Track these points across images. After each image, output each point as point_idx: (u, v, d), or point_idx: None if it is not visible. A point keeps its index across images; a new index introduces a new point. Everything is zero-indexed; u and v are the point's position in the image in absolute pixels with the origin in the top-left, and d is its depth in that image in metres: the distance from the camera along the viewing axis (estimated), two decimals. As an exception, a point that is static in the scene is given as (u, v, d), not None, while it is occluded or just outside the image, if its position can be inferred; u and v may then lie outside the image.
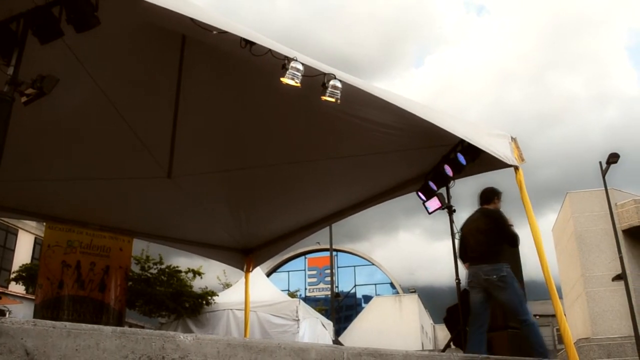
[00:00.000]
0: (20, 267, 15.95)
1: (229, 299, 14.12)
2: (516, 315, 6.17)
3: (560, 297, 6.71)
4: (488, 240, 6.40)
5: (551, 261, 6.94)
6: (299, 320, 13.12)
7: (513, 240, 6.47)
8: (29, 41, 4.41)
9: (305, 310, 14.06)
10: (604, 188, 20.78)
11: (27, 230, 26.67)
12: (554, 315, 7.02)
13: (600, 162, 20.50)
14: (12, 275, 16.78)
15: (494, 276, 6.16)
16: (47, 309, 9.24)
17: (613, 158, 19.67)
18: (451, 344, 7.46)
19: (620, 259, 20.00)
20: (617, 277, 20.47)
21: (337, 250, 45.71)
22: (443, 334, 40.97)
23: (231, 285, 17.06)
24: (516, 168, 6.61)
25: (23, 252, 25.98)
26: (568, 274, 27.71)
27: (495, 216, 6.56)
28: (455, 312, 7.04)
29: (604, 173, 20.30)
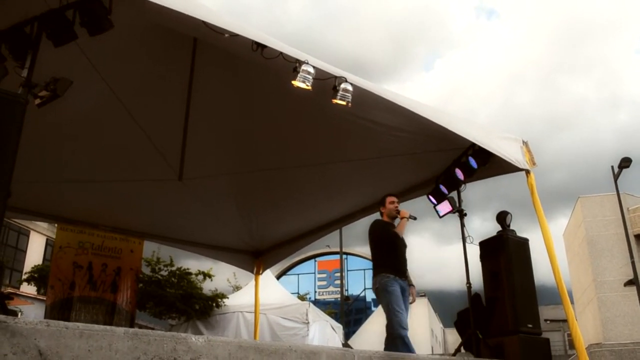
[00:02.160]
0: (32, 268, 16.04)
1: (239, 301, 14.13)
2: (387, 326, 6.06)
3: (572, 302, 6.64)
4: (372, 253, 6.59)
5: (562, 266, 6.87)
6: (308, 323, 13.11)
7: (384, 245, 6.43)
8: (43, 44, 4.45)
9: (315, 313, 14.05)
10: (615, 192, 20.61)
11: (38, 232, 26.81)
12: (565, 320, 6.98)
13: (612, 167, 20.36)
14: (24, 276, 16.90)
15: (374, 288, 6.39)
16: (58, 310, 9.28)
17: (625, 162, 19.53)
18: (461, 348, 7.43)
19: (633, 264, 19.80)
20: (629, 282, 20.32)
21: (346, 254, 45.62)
22: (453, 338, 40.87)
23: (241, 288, 17.08)
24: (527, 172, 6.58)
25: (35, 253, 26.11)
26: (579, 279, 27.55)
27: (370, 230, 6.66)
28: (466, 316, 7.01)
29: (615, 177, 20.14)
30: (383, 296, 6.15)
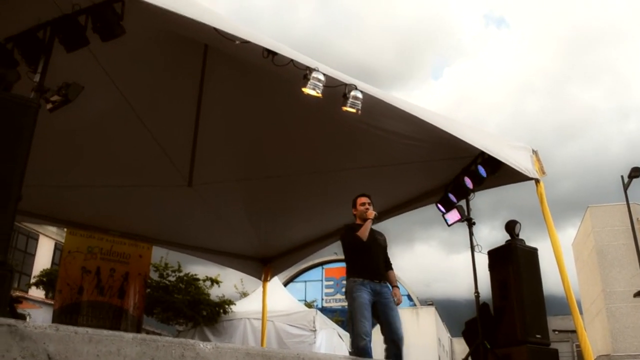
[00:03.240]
0: (40, 272, 16.09)
1: (246, 308, 14.10)
2: None
3: (580, 313, 6.57)
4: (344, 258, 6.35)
5: (571, 276, 6.81)
6: (315, 330, 13.06)
7: (349, 250, 6.18)
8: (55, 49, 4.48)
9: (322, 320, 14.00)
10: (625, 202, 20.47)
11: (47, 236, 26.90)
12: (574, 331, 6.92)
13: (622, 176, 20.22)
14: (33, 280, 16.96)
15: (345, 293, 6.25)
16: (66, 314, 9.29)
17: (635, 172, 19.39)
18: (469, 358, 7.38)
19: (642, 275, 19.71)
20: (639, 294, 20.17)
21: (354, 261, 45.34)
22: (460, 347, 40.62)
23: (248, 294, 17.05)
24: (537, 181, 6.56)
25: (43, 257, 26.18)
26: (588, 289, 27.38)
27: (340, 233, 6.52)
28: (474, 325, 6.97)
29: (625, 187, 20.01)
30: (348, 302, 5.98)
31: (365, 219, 6.13)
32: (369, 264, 6.06)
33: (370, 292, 5.87)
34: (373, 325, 5.83)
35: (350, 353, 5.79)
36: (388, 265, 6.36)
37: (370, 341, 5.64)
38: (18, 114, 3.89)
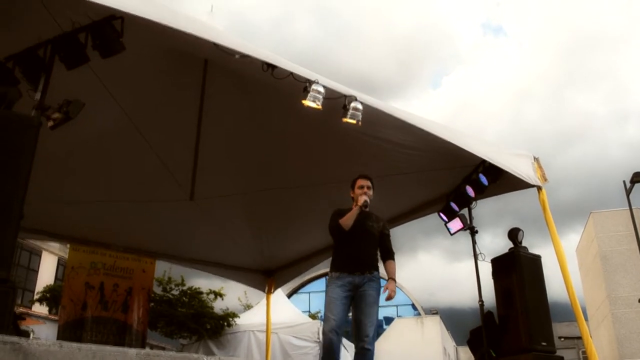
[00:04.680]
0: (43, 288, 16.09)
1: (250, 320, 14.08)
2: None
3: (586, 319, 6.54)
4: None
5: (575, 282, 6.78)
6: (320, 342, 13.03)
7: (334, 239, 5.62)
8: (56, 66, 4.51)
9: (326, 331, 13.95)
10: (628, 208, 20.42)
11: (50, 252, 26.92)
12: (579, 338, 6.90)
13: (624, 181, 20.18)
14: (36, 296, 16.95)
15: None
16: (70, 330, 9.29)
17: (637, 177, 19.34)
18: (475, 366, 7.37)
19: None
20: (644, 299, 20.08)
21: (357, 271, 45.21)
22: (466, 356, 40.44)
23: (252, 307, 17.02)
24: (539, 188, 6.55)
25: (47, 273, 26.22)
26: (593, 295, 27.25)
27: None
28: (479, 334, 6.95)
29: (628, 192, 19.97)
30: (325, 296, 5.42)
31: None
32: (351, 255, 5.45)
33: (347, 287, 5.30)
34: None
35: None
36: (387, 255, 5.71)
37: (338, 335, 5.14)
38: (20, 132, 3.91)
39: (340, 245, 5.54)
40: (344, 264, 5.42)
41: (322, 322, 14.20)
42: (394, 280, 5.53)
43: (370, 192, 5.63)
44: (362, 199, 5.48)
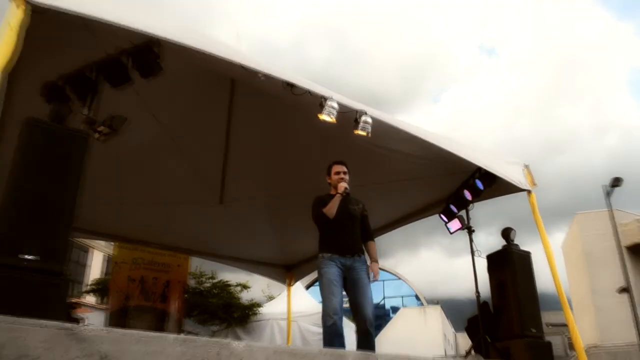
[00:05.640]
0: (92, 281, 16.25)
1: (272, 310, 14.04)
2: None
3: (571, 308, 6.48)
4: None
5: (562, 275, 6.73)
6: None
7: (318, 223, 5.34)
8: (102, 85, 4.55)
9: (341, 319, 13.88)
10: (608, 209, 20.30)
11: (98, 249, 27.15)
12: (565, 325, 6.82)
13: (603, 186, 20.12)
14: (86, 288, 17.12)
15: None
16: (116, 318, 9.39)
17: (616, 182, 19.24)
18: (472, 351, 7.30)
19: (625, 273, 19.50)
20: (622, 290, 19.99)
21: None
22: (464, 341, 40.14)
23: (274, 298, 17.00)
24: (529, 192, 6.52)
25: (96, 267, 26.52)
26: (577, 288, 27.00)
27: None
28: (476, 322, 6.90)
29: (608, 195, 19.85)
30: (318, 280, 5.10)
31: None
32: (338, 239, 5.19)
33: (340, 268, 5.04)
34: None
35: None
36: (367, 236, 5.49)
37: (340, 319, 4.85)
38: (71, 144, 3.94)
39: (327, 231, 5.28)
40: (333, 246, 5.16)
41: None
42: (377, 262, 5.35)
43: (347, 177, 5.45)
44: (342, 185, 5.30)
